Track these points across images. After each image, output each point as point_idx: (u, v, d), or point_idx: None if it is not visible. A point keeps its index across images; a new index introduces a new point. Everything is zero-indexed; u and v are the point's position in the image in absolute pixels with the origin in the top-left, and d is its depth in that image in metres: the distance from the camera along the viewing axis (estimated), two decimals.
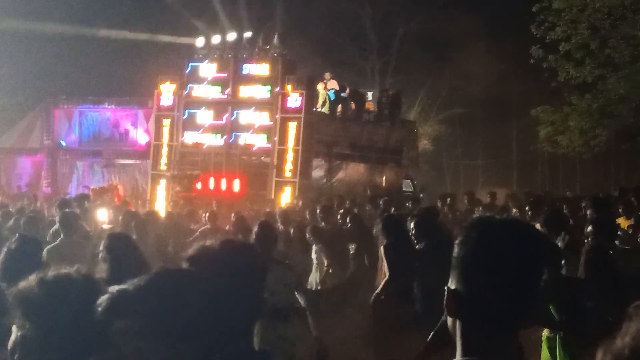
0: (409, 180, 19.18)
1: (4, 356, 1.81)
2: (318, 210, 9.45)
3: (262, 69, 17.08)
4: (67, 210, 6.77)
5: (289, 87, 16.62)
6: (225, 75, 17.46)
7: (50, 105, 21.91)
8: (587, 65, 19.66)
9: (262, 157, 16.99)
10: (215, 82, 17.61)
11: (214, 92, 17.62)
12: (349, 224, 8.14)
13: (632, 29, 19.02)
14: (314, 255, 7.72)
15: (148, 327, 1.54)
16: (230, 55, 17.43)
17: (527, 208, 9.19)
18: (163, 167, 18.14)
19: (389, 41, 31.49)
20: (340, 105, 17.98)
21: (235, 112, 17.25)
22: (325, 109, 17.59)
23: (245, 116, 17.17)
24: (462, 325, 1.47)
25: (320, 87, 17.54)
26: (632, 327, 0.97)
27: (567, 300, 4.34)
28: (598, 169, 27.64)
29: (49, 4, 25.63)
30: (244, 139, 17.11)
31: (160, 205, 16.49)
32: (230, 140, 17.15)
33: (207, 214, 9.61)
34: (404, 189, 18.36)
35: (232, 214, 9.64)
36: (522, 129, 28.88)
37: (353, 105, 18.59)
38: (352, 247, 7.70)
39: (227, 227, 8.97)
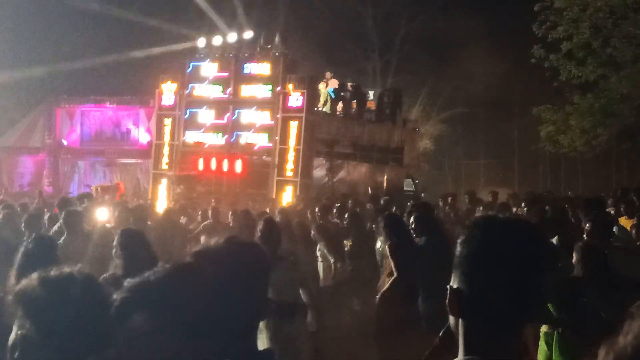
0: (410, 180, 19.18)
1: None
2: (317, 209, 9.47)
3: (263, 68, 17.08)
4: (71, 208, 6.79)
5: (290, 86, 16.62)
6: (226, 74, 17.46)
7: (52, 104, 21.95)
8: (589, 64, 19.63)
9: (264, 157, 17.00)
10: (216, 81, 17.62)
11: (215, 92, 17.63)
12: (346, 222, 8.17)
13: (634, 28, 18.98)
14: (318, 253, 7.73)
15: (164, 322, 1.55)
16: (231, 55, 17.44)
17: (522, 205, 9.28)
18: (164, 166, 18.15)
19: (390, 41, 31.50)
20: (341, 104, 17.97)
21: (237, 111, 17.26)
22: (327, 109, 17.59)
23: (247, 115, 17.18)
24: (465, 324, 1.47)
25: (321, 86, 17.54)
26: (635, 326, 0.97)
27: (567, 299, 4.36)
28: (600, 169, 27.62)
29: (50, 3, 25.64)
30: (245, 138, 17.12)
31: (162, 205, 16.49)
32: (232, 140, 17.16)
33: (210, 210, 9.61)
34: (405, 189, 18.36)
35: (230, 212, 9.63)
36: (523, 129, 28.88)
37: (354, 105, 18.59)
38: (347, 244, 7.74)
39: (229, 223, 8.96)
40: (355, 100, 18.53)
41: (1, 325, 2.00)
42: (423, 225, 6.03)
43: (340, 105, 17.98)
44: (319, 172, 17.45)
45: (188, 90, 17.98)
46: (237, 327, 1.74)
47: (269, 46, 17.23)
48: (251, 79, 17.16)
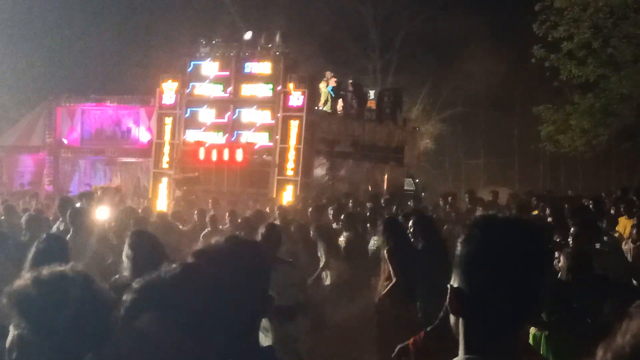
0: (411, 179, 19.17)
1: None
2: (310, 209, 9.49)
3: (264, 67, 17.07)
4: (77, 206, 6.81)
5: (290, 85, 16.61)
6: (227, 73, 17.45)
7: (53, 103, 21.91)
8: (589, 64, 19.63)
9: (264, 156, 16.99)
10: (217, 80, 17.61)
11: (216, 91, 17.62)
12: (341, 222, 8.19)
13: (634, 28, 18.98)
14: (320, 253, 7.75)
15: (171, 322, 1.56)
16: (232, 54, 17.43)
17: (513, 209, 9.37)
18: (165, 165, 18.14)
19: (391, 40, 31.47)
20: (341, 102, 17.95)
21: (237, 110, 17.25)
22: (327, 108, 17.58)
23: (247, 114, 17.17)
24: (465, 323, 1.48)
25: (322, 85, 17.54)
26: (633, 326, 0.97)
27: (556, 302, 4.39)
28: (600, 168, 27.62)
29: (51, 2, 25.63)
30: (246, 137, 17.11)
31: (162, 204, 16.50)
32: (232, 139, 17.16)
33: (208, 217, 9.51)
34: (405, 188, 18.35)
35: (227, 213, 9.62)
36: (523, 128, 28.88)
37: (354, 105, 18.58)
38: (341, 244, 7.76)
39: (224, 227, 8.92)
40: (355, 100, 18.52)
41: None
42: (421, 230, 6.04)
43: (340, 105, 17.98)
44: (320, 171, 17.45)
45: (189, 89, 17.96)
46: (240, 325, 1.75)
47: (270, 45, 17.22)
48: (252, 78, 17.15)
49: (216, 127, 17.50)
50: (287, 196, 15.78)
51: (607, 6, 18.94)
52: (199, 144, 17.54)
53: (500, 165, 32.13)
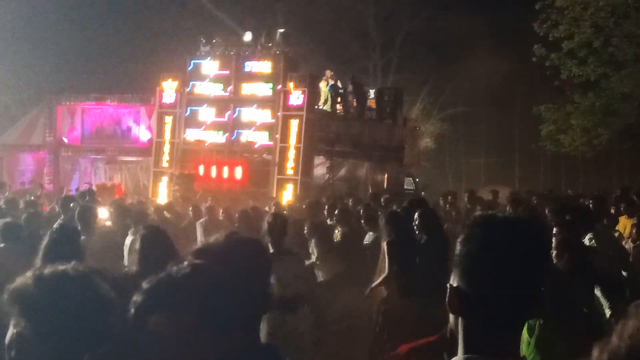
0: (411, 179, 19.17)
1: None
2: (304, 206, 9.50)
3: (264, 66, 17.07)
4: (86, 204, 6.85)
5: (291, 84, 16.61)
6: (227, 72, 17.45)
7: (53, 102, 21.93)
8: (590, 63, 19.60)
9: (264, 155, 17.00)
10: (217, 79, 17.61)
11: (216, 90, 17.62)
12: (335, 218, 8.22)
13: (635, 27, 18.95)
14: (310, 249, 7.76)
15: (186, 320, 1.56)
16: (232, 53, 17.42)
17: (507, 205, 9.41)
18: (165, 164, 18.15)
19: (391, 39, 31.47)
20: (340, 99, 17.94)
21: (237, 109, 17.26)
22: (327, 107, 17.58)
23: (247, 114, 17.17)
24: (464, 322, 1.48)
25: (322, 84, 17.53)
26: (629, 326, 0.97)
27: (552, 291, 4.45)
28: (601, 168, 27.61)
29: (51, 2, 25.63)
30: (246, 136, 17.11)
31: (162, 203, 16.50)
32: (232, 138, 17.16)
33: (206, 208, 9.55)
34: (405, 187, 18.35)
35: (221, 210, 9.64)
36: (524, 128, 28.88)
37: (354, 103, 18.57)
38: (335, 239, 7.77)
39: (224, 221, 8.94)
40: (355, 99, 18.51)
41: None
42: (426, 223, 6.02)
43: (339, 104, 17.96)
44: (320, 170, 17.45)
45: (189, 88, 17.97)
46: (241, 322, 1.75)
47: (270, 44, 17.22)
48: (252, 77, 17.15)
49: (216, 126, 17.51)
50: (287, 195, 15.78)
51: (608, 5, 18.91)
52: (199, 142, 17.55)
53: (500, 164, 32.14)
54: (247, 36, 17.48)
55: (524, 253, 1.45)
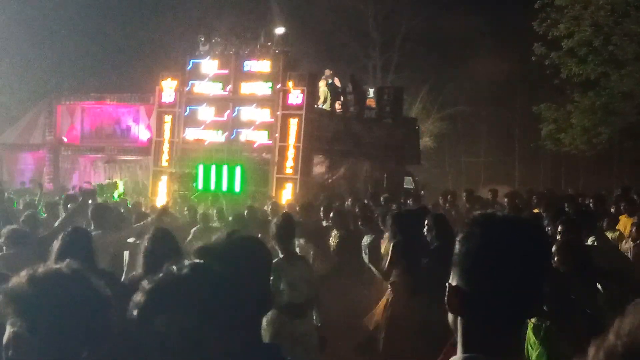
0: (410, 178, 19.16)
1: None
2: (298, 207, 9.52)
3: (263, 65, 17.06)
4: (100, 203, 6.91)
5: (290, 83, 16.61)
6: (226, 72, 17.45)
7: (53, 101, 21.95)
8: (590, 62, 19.62)
9: (263, 154, 17.00)
10: (216, 78, 17.61)
11: (215, 89, 17.62)
12: (331, 219, 8.22)
13: (635, 25, 18.97)
14: (297, 249, 7.76)
15: (188, 321, 1.56)
16: (231, 52, 17.42)
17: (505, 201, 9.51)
18: (164, 163, 18.16)
19: (391, 38, 31.48)
20: (339, 98, 17.92)
21: (237, 108, 17.25)
22: (327, 106, 17.58)
23: (247, 113, 17.17)
24: (463, 321, 1.48)
25: (321, 84, 17.53)
26: (626, 324, 0.96)
27: (556, 292, 4.48)
28: (601, 167, 27.59)
29: (50, 1, 25.61)
30: (245, 135, 17.11)
31: (162, 202, 16.51)
32: (232, 137, 17.16)
33: (200, 215, 9.48)
34: (405, 186, 18.34)
35: (215, 211, 9.64)
36: (524, 127, 28.88)
37: (354, 102, 18.57)
38: (333, 242, 7.76)
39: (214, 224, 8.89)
40: (353, 96, 18.50)
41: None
42: (438, 226, 5.99)
43: (338, 103, 17.95)
44: (319, 169, 17.44)
45: (188, 88, 17.96)
46: (242, 321, 1.75)
47: (270, 43, 17.21)
48: (251, 76, 17.14)
49: (215, 125, 17.50)
50: (287, 194, 15.78)
51: (608, 4, 18.93)
52: (199, 142, 17.55)
53: (500, 163, 32.13)
54: (247, 35, 17.45)
55: (523, 252, 1.45)
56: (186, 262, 1.70)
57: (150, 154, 18.95)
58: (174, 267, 1.65)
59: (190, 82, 17.93)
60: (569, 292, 4.49)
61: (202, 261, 1.77)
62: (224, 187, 16.30)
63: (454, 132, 31.88)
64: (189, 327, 1.56)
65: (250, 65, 17.17)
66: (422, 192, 17.13)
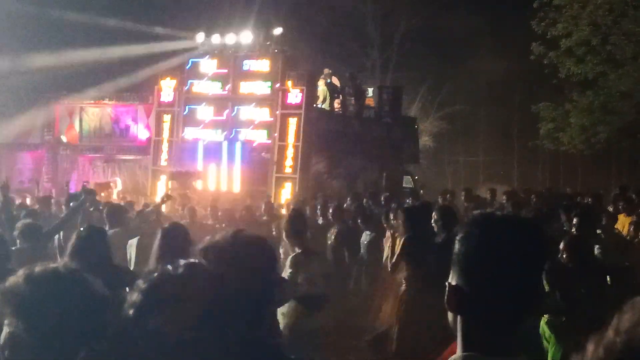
0: (409, 177, 19.16)
1: None
2: (291, 207, 9.55)
3: (262, 65, 17.05)
4: (115, 204, 6.97)
5: (289, 83, 16.59)
6: (225, 71, 17.43)
7: (51, 101, 21.91)
8: (589, 61, 19.62)
9: (262, 153, 16.99)
10: (215, 78, 17.59)
11: (215, 88, 17.60)
12: (331, 215, 8.23)
13: (633, 25, 18.97)
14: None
15: (177, 320, 1.57)
16: (230, 51, 17.41)
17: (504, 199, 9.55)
18: (163, 162, 18.14)
19: (390, 37, 31.44)
20: (338, 96, 17.91)
21: (236, 108, 17.24)
22: (326, 106, 17.57)
23: (246, 112, 17.16)
24: (463, 320, 1.48)
25: (321, 83, 17.52)
26: (624, 321, 0.97)
27: (565, 287, 4.52)
28: (599, 166, 27.61)
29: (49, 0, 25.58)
30: (244, 134, 17.10)
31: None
32: (231, 136, 17.15)
33: (187, 209, 9.54)
34: (404, 185, 18.35)
35: (208, 208, 9.67)
36: (522, 126, 28.87)
37: (352, 101, 18.56)
38: (330, 238, 7.77)
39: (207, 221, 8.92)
40: (352, 94, 18.50)
41: None
42: (447, 220, 6.00)
43: (337, 102, 17.95)
44: (318, 168, 17.43)
45: (187, 87, 17.95)
46: (240, 319, 1.77)
47: (268, 43, 17.20)
48: (250, 75, 17.13)
49: (215, 125, 17.49)
50: (286, 193, 15.78)
51: (607, 3, 18.92)
52: (198, 141, 17.53)
53: (499, 163, 32.13)
54: (246, 36, 17.43)
55: (522, 252, 1.45)
56: (181, 262, 1.71)
57: (149, 153, 18.93)
58: (169, 267, 1.66)
59: (189, 81, 17.92)
60: (579, 287, 4.55)
61: (197, 260, 1.78)
62: (224, 187, 16.30)
63: (453, 132, 31.87)
64: (185, 326, 1.56)
65: (249, 64, 17.16)
66: (422, 191, 17.14)
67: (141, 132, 20.67)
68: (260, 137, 16.99)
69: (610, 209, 9.16)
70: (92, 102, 21.60)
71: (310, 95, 16.66)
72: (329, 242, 7.82)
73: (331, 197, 12.17)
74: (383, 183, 17.59)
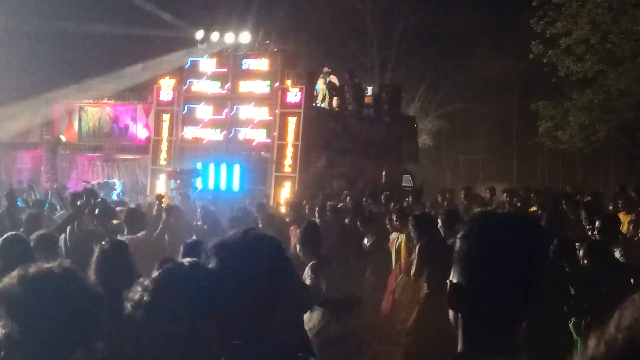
0: (409, 176, 19.17)
1: None
2: (288, 208, 9.53)
3: (261, 64, 17.04)
4: (132, 207, 6.98)
5: (288, 82, 16.59)
6: (224, 70, 17.43)
7: (50, 99, 21.89)
8: (588, 60, 19.62)
9: (262, 152, 16.98)
10: (214, 77, 17.59)
11: (214, 87, 17.60)
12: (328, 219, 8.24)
13: (632, 23, 18.97)
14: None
15: (191, 318, 1.57)
16: (229, 50, 17.40)
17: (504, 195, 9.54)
18: (163, 162, 18.14)
19: (389, 36, 31.43)
20: (337, 94, 17.91)
21: (235, 107, 17.23)
22: (325, 104, 17.56)
23: (245, 111, 17.15)
24: (464, 319, 1.48)
25: (320, 82, 17.51)
26: (627, 317, 0.97)
27: (589, 292, 4.57)
28: (598, 164, 27.64)
29: None
30: (244, 134, 17.09)
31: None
32: (230, 135, 17.14)
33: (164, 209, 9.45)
34: (403, 184, 18.35)
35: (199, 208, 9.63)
36: (522, 124, 28.89)
37: (352, 100, 18.55)
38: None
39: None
40: (351, 93, 18.49)
41: None
42: (449, 221, 6.02)
43: (336, 100, 17.93)
44: (318, 167, 17.42)
45: (186, 86, 17.94)
46: (248, 318, 1.78)
47: (268, 42, 17.19)
48: (249, 74, 17.12)
49: (214, 124, 17.49)
50: (285, 193, 15.78)
51: (606, 2, 18.92)
52: (197, 140, 17.53)
53: (498, 161, 32.15)
54: (245, 36, 17.43)
55: (523, 250, 1.45)
56: (185, 261, 1.70)
57: (148, 152, 18.92)
58: (172, 265, 1.66)
59: (189, 80, 17.92)
60: (600, 289, 4.58)
61: (196, 259, 1.78)
62: (223, 186, 16.30)
63: (452, 130, 31.88)
64: (191, 324, 1.56)
65: (249, 63, 17.16)
66: (424, 189, 17.11)
67: (140, 131, 20.65)
68: (259, 136, 16.99)
69: (610, 207, 9.16)
70: (91, 101, 21.58)
71: (310, 94, 16.65)
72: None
73: (331, 196, 12.17)
74: (382, 182, 17.60)
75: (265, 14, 25.47)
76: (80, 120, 21.50)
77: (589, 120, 20.21)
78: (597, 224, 5.72)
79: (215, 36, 17.65)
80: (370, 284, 7.34)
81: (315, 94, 17.18)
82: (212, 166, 16.69)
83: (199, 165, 16.62)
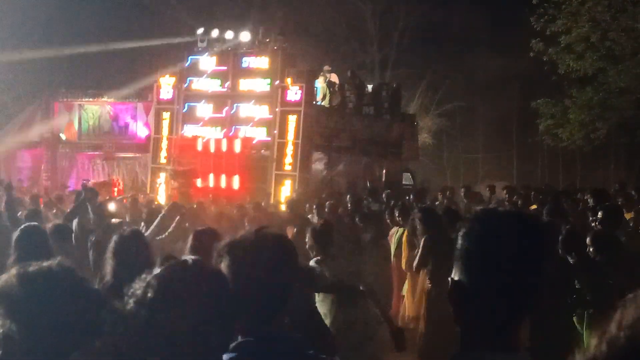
0: (409, 174, 19.17)
1: None
2: (285, 205, 9.55)
3: (262, 62, 17.03)
4: (153, 206, 7.01)
5: (288, 80, 16.58)
6: (225, 68, 17.42)
7: (50, 98, 21.89)
8: (588, 58, 19.61)
9: (262, 151, 16.98)
10: (215, 75, 17.58)
11: (214, 86, 17.59)
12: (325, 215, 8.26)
13: (632, 21, 18.96)
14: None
15: (195, 315, 1.58)
16: (230, 49, 17.39)
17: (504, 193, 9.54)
18: (163, 160, 18.13)
19: (389, 34, 31.42)
20: (337, 92, 17.90)
21: (235, 105, 17.23)
22: (325, 103, 17.56)
23: (245, 109, 17.15)
24: (465, 316, 1.49)
25: (320, 80, 17.50)
26: (627, 316, 0.97)
27: (592, 281, 4.59)
28: (598, 162, 27.64)
29: None
30: (244, 132, 17.09)
31: (160, 199, 16.50)
32: (230, 134, 17.13)
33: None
34: (404, 183, 18.35)
35: (195, 205, 9.67)
36: (522, 122, 28.89)
37: (353, 99, 18.54)
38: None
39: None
40: (352, 93, 18.48)
41: None
42: (450, 220, 6.05)
43: (335, 98, 17.93)
44: (318, 165, 17.43)
45: (186, 84, 17.93)
46: (263, 312, 1.80)
47: (268, 40, 17.18)
48: (250, 72, 17.11)
49: (214, 122, 17.48)
50: (285, 191, 15.78)
51: None
52: (197, 138, 17.52)
53: (498, 159, 32.16)
54: (245, 35, 17.41)
55: (524, 247, 1.45)
56: (189, 259, 1.71)
57: (148, 151, 18.92)
58: (174, 263, 1.67)
59: (189, 78, 17.90)
60: (606, 279, 4.60)
61: (197, 257, 1.79)
62: (223, 184, 16.30)
63: (452, 128, 31.87)
64: (196, 321, 1.57)
65: (249, 61, 17.14)
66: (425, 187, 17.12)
67: (140, 129, 20.66)
68: (259, 134, 16.98)
69: None
70: (91, 99, 21.58)
71: (310, 93, 16.64)
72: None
73: (334, 196, 12.15)
74: (382, 180, 17.61)
75: (266, 13, 25.49)
76: (80, 119, 21.51)
77: (589, 118, 20.21)
78: (599, 214, 5.73)
79: (215, 34, 17.64)
80: (371, 279, 7.37)
81: (314, 92, 17.17)
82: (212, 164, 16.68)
83: (199, 164, 16.62)
